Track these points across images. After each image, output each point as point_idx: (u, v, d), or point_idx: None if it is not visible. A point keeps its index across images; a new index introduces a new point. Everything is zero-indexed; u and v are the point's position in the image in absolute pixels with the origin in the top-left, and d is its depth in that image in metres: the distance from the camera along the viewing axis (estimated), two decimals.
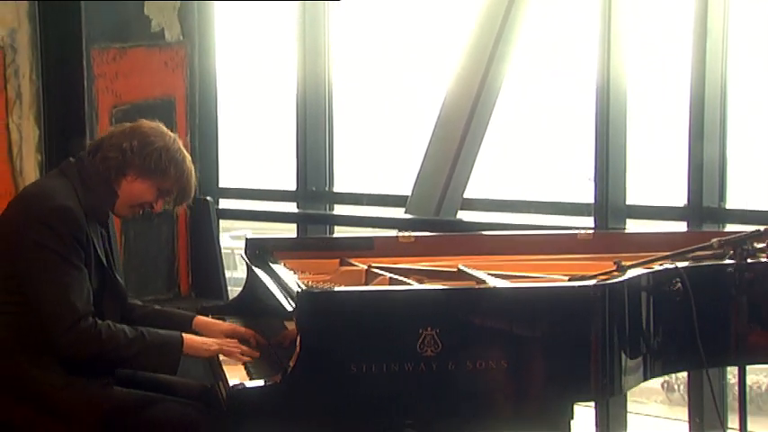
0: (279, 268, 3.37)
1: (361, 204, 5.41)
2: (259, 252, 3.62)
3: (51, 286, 2.87)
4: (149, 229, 4.94)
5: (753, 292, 3.06)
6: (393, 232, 4.93)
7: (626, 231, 4.37)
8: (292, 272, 3.46)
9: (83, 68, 4.66)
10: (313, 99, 5.33)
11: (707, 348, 3.06)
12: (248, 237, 3.73)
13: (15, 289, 2.92)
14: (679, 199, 4.55)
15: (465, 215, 5.04)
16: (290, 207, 5.46)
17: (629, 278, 2.98)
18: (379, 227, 5.18)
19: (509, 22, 4.87)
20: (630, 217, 4.58)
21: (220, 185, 5.48)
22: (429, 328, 2.75)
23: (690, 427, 4.43)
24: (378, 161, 6.19)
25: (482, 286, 3.00)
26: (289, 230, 5.53)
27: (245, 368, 3.01)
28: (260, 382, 2.77)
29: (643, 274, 3.03)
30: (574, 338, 2.86)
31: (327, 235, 5.28)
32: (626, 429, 4.55)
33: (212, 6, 5.39)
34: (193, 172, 3.17)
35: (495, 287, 2.94)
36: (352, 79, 5.63)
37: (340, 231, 5.41)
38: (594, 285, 2.89)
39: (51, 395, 2.89)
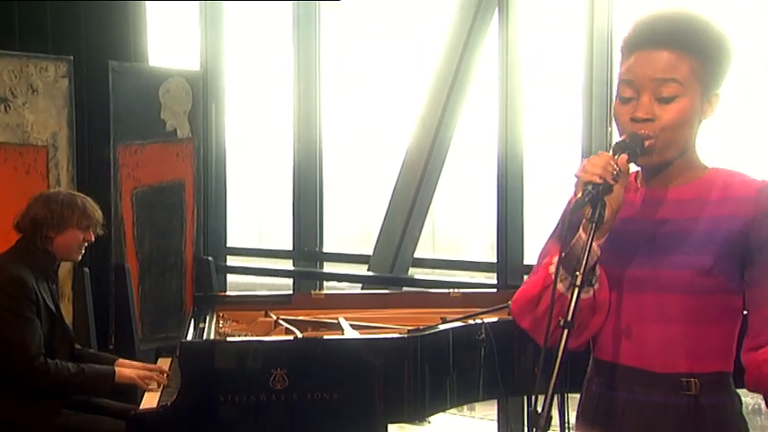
0: (209, 321, 3.79)
1: (343, 262, 5.93)
2: (202, 306, 4.03)
3: (10, 335, 3.35)
4: (163, 282, 5.36)
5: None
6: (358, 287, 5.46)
7: (484, 291, 4.59)
8: (222, 320, 3.99)
9: (110, 160, 5.10)
10: (306, 178, 5.80)
11: (505, 381, 3.48)
12: (196, 294, 4.28)
13: None
14: None
15: (415, 272, 5.47)
16: (288, 264, 5.94)
17: (441, 330, 3.38)
18: (350, 281, 5.67)
19: (452, 101, 5.25)
20: (528, 274, 4.88)
21: (228, 245, 5.95)
22: (279, 369, 3.16)
23: None
24: (360, 225, 6.68)
25: (315, 336, 3.48)
26: (286, 284, 5.99)
27: (160, 395, 3.47)
28: (151, 409, 3.26)
29: (455, 327, 3.42)
30: (391, 376, 3.24)
31: (316, 285, 5.81)
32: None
33: (221, 110, 5.90)
34: (87, 200, 3.61)
35: (326, 338, 3.41)
36: (337, 160, 6.14)
37: (327, 284, 5.94)
38: (407, 337, 3.32)
39: (12, 417, 3.36)
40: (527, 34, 4.97)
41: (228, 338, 3.60)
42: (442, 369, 3.38)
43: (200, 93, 5.57)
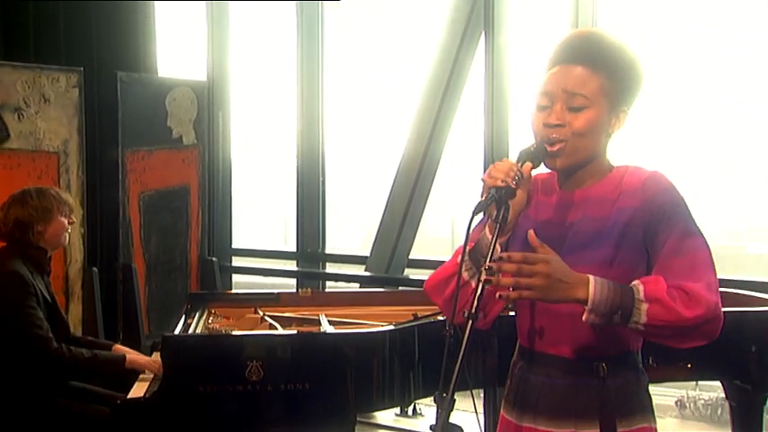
0: (198, 317, 3.91)
1: (344, 263, 6.06)
2: (195, 303, 4.16)
3: (24, 326, 3.51)
4: (168, 281, 5.54)
5: (501, 336, 3.58)
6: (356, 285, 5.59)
7: None
8: (213, 316, 4.10)
9: (118, 166, 5.28)
10: (309, 182, 5.94)
11: (472, 374, 3.59)
12: (190, 293, 4.43)
13: None
14: None
15: (410, 272, 5.59)
16: (292, 265, 6.08)
17: (410, 326, 3.50)
18: (349, 281, 5.79)
19: (444, 111, 5.37)
20: None
21: (233, 247, 6.11)
22: (254, 361, 3.28)
23: None
24: (363, 227, 6.81)
25: (287, 332, 3.60)
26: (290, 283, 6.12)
27: (149, 385, 3.57)
28: (136, 397, 3.40)
29: (423, 323, 3.53)
30: (362, 368, 3.36)
31: (318, 285, 5.96)
32: None
33: (226, 117, 6.05)
34: (55, 189, 3.79)
35: (298, 333, 3.51)
36: (340, 164, 6.27)
37: (329, 283, 6.07)
38: (377, 332, 3.43)
39: (11, 409, 3.54)
40: (514, 45, 5.07)
41: (208, 332, 3.75)
42: (409, 362, 3.49)
43: (206, 101, 5.74)
